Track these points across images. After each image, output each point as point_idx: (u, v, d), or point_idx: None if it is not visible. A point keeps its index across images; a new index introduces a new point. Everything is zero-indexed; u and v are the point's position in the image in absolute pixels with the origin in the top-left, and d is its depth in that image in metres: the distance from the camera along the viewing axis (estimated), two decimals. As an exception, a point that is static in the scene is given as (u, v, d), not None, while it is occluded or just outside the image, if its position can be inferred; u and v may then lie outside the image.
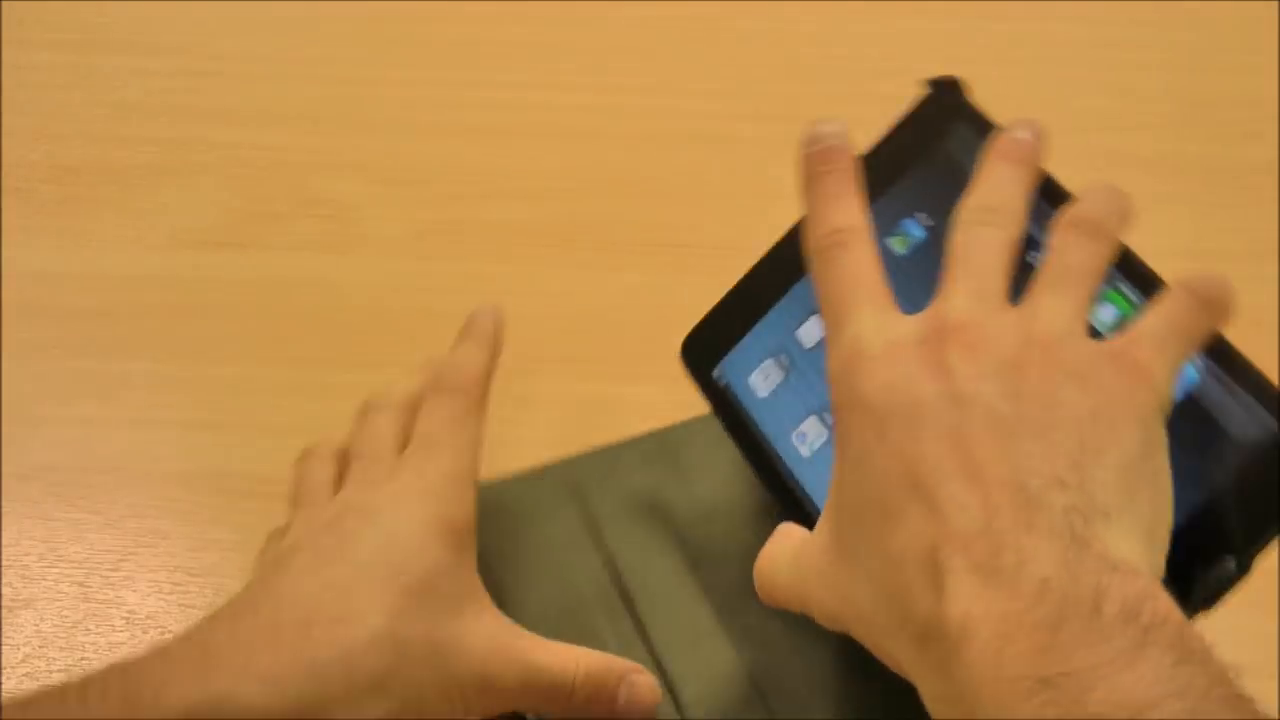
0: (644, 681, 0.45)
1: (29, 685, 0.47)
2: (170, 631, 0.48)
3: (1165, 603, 0.32)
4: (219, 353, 0.62)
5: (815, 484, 0.45)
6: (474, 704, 0.41)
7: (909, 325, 0.38)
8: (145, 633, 0.49)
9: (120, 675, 0.36)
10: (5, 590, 0.50)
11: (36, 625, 0.49)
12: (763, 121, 0.77)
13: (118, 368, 0.61)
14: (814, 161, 0.42)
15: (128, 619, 0.49)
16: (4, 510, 0.53)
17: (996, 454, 0.34)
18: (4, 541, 0.52)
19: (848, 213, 0.41)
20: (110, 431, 0.57)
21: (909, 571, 0.34)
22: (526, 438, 0.57)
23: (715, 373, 0.48)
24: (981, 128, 0.46)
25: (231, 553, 0.51)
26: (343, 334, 0.63)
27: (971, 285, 0.38)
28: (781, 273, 0.47)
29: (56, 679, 0.47)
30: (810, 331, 0.47)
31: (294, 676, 0.37)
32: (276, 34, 0.89)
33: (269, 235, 0.69)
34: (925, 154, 0.47)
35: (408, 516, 0.42)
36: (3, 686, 0.47)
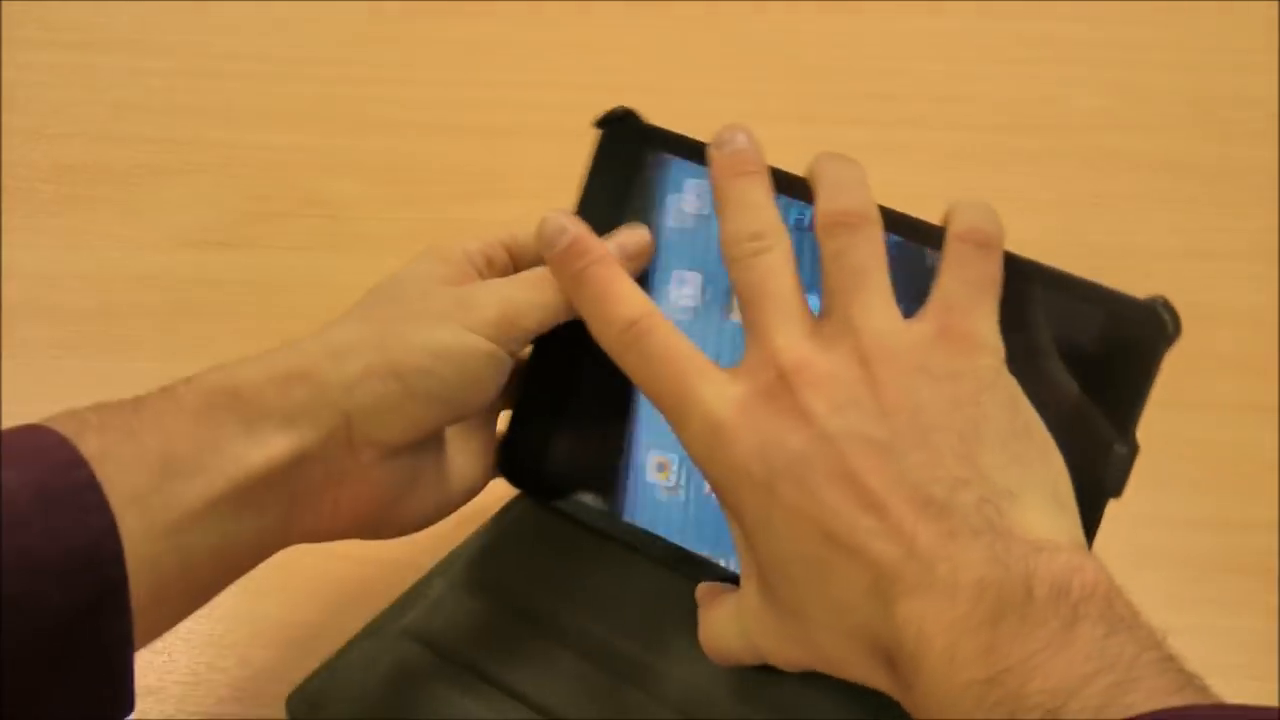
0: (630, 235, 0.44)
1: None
2: (170, 631, 0.48)
3: (1091, 570, 0.33)
4: (219, 353, 0.61)
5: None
6: (506, 337, 0.41)
7: (744, 383, 0.38)
8: (145, 633, 0.49)
9: (213, 375, 0.39)
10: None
11: (36, 625, 0.49)
12: (762, 121, 0.76)
13: (118, 368, 0.61)
14: (732, 163, 0.42)
15: (128, 619, 0.49)
16: (4, 510, 0.53)
17: (889, 478, 0.35)
18: (4, 541, 0.52)
19: (769, 218, 0.41)
20: (110, 431, 0.57)
21: (859, 611, 0.35)
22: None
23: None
24: (678, 146, 0.45)
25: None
26: (343, 334, 0.63)
27: (780, 320, 0.38)
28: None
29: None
30: None
31: (279, 353, 0.41)
32: (276, 34, 0.89)
33: (269, 235, 0.69)
34: (631, 192, 0.45)
35: (426, 259, 0.45)
36: (3, 686, 0.47)
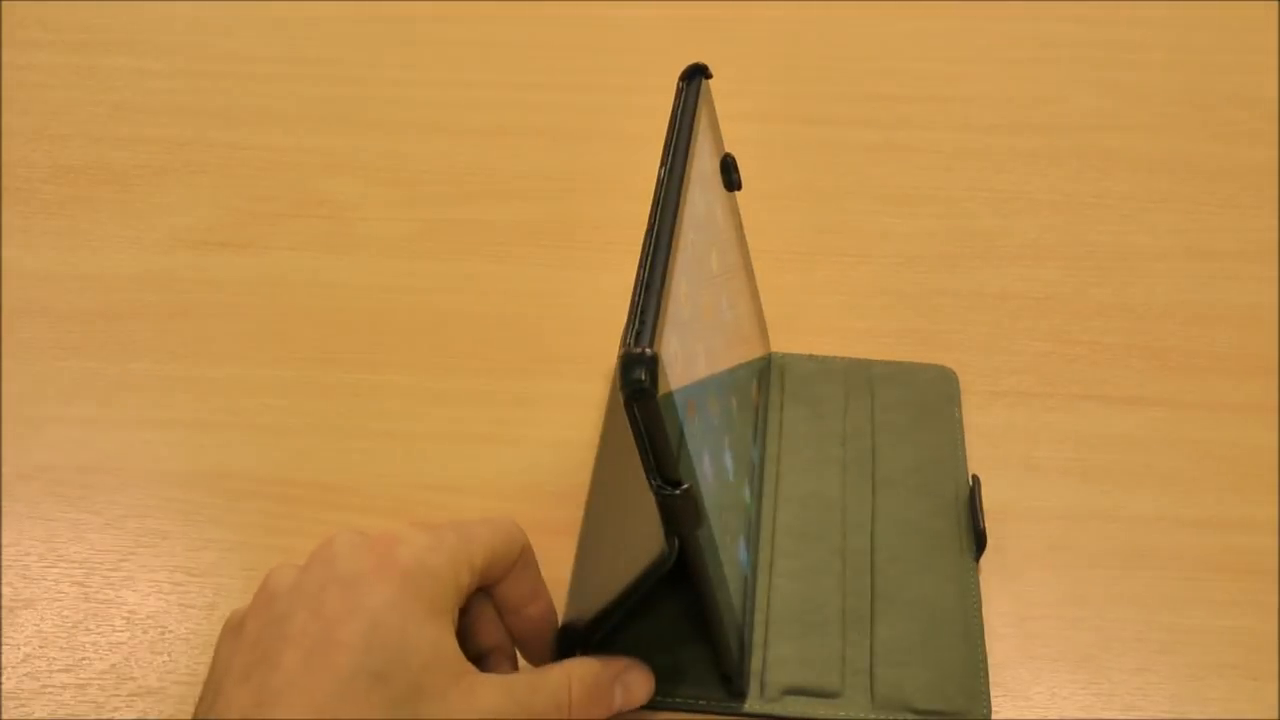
0: (637, 678, 0.45)
1: (29, 685, 0.47)
2: (170, 631, 0.48)
3: None
4: (219, 353, 0.62)
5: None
6: None
7: None
8: (145, 633, 0.49)
9: None
10: (5, 590, 0.50)
11: (37, 625, 0.49)
12: (762, 121, 0.77)
13: (118, 368, 0.61)
14: None
15: (128, 619, 0.49)
16: (4, 510, 0.53)
17: None
18: (4, 541, 0.52)
19: None
20: (110, 431, 0.57)
21: None
22: (526, 437, 0.57)
23: None
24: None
25: (231, 553, 0.51)
26: (342, 334, 0.63)
27: None
28: None
29: (57, 679, 0.47)
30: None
31: None
32: (276, 34, 0.89)
33: (269, 235, 0.69)
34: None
35: (395, 603, 0.40)
36: (3, 687, 0.48)
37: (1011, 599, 0.50)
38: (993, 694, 0.46)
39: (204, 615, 0.49)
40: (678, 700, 0.47)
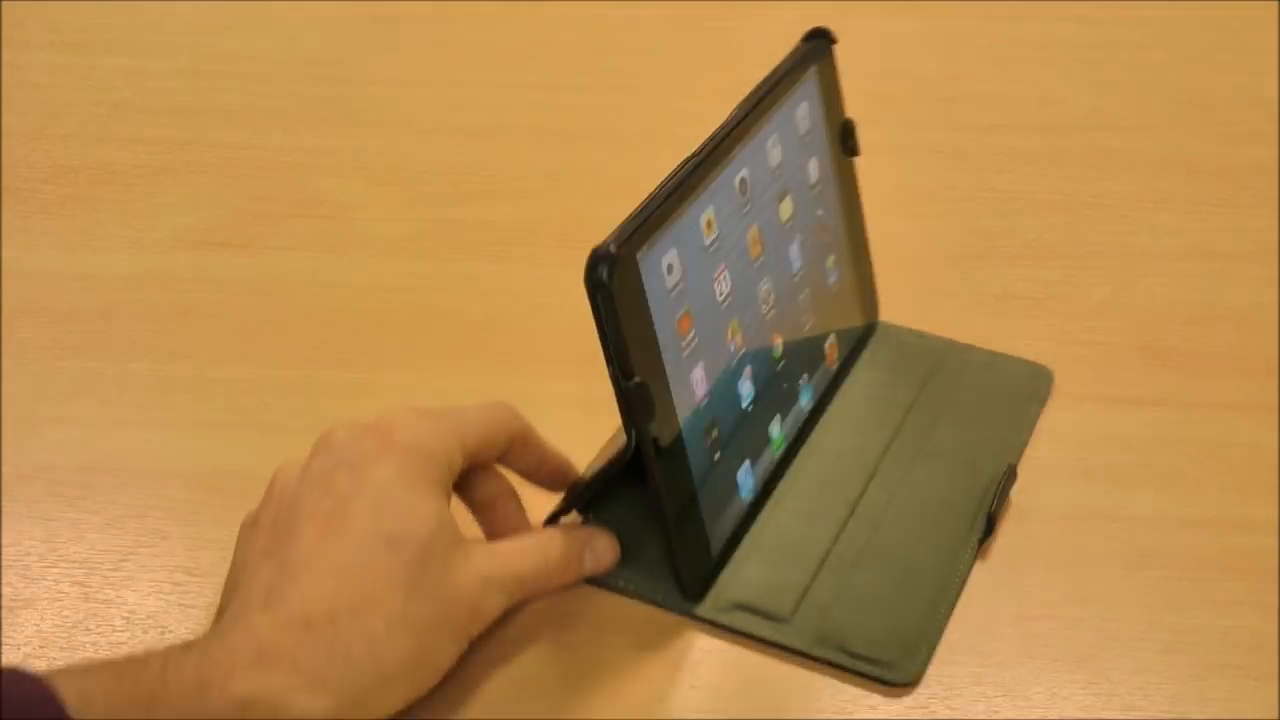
0: (603, 544, 0.50)
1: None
2: (170, 631, 0.48)
3: None
4: (219, 353, 0.62)
5: None
6: (472, 633, 0.45)
7: None
8: (145, 633, 0.49)
9: (198, 656, 0.39)
10: (5, 590, 0.50)
11: (37, 625, 0.49)
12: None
13: (118, 368, 0.61)
14: None
15: (128, 619, 0.49)
16: (4, 510, 0.53)
17: None
18: (4, 541, 0.52)
19: None
20: (110, 431, 0.57)
21: None
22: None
23: None
24: (648, 231, 0.46)
25: (231, 553, 0.51)
26: (342, 334, 0.63)
27: None
28: None
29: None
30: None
31: (334, 673, 0.40)
32: (276, 34, 0.89)
33: (269, 235, 0.69)
34: (646, 312, 0.46)
35: (397, 477, 0.44)
36: (3, 686, 0.47)
37: (1012, 599, 0.50)
38: (992, 694, 0.46)
39: (204, 615, 0.49)
40: (631, 588, 0.50)
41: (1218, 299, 0.66)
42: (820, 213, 0.57)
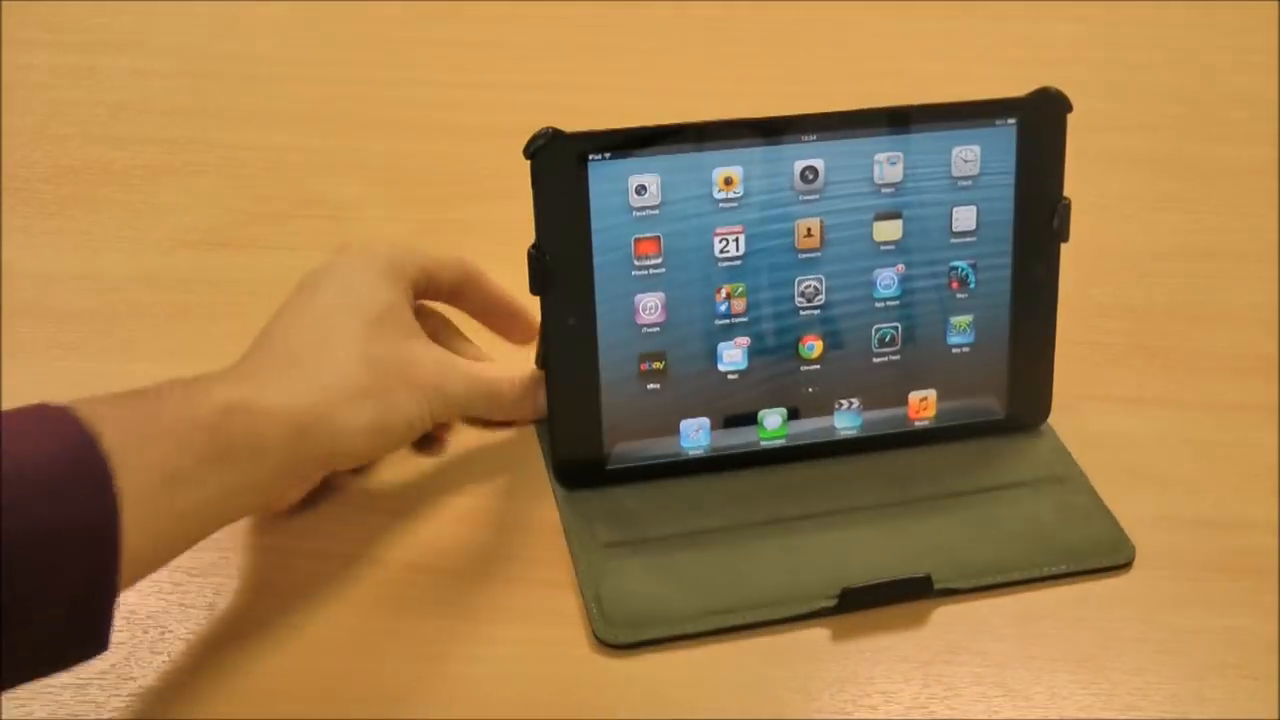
0: None
1: (29, 685, 0.47)
2: (170, 631, 0.48)
3: None
4: (219, 353, 0.62)
5: None
6: (435, 408, 0.51)
7: None
8: (145, 633, 0.48)
9: (182, 383, 0.45)
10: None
11: (36, 625, 0.49)
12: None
13: (118, 368, 0.61)
14: None
15: (128, 619, 0.49)
16: (4, 510, 0.53)
17: None
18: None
19: None
20: (110, 431, 0.57)
21: None
22: (527, 435, 0.57)
23: None
24: (611, 144, 0.50)
25: (231, 553, 0.51)
26: (343, 334, 0.63)
27: None
28: None
29: (57, 679, 0.47)
30: None
31: (303, 388, 0.47)
32: (276, 34, 0.90)
33: (269, 235, 0.69)
34: (582, 203, 0.50)
35: (359, 267, 0.53)
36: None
37: (1012, 598, 0.50)
38: (992, 694, 0.46)
39: (204, 615, 0.49)
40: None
41: (1218, 299, 0.66)
42: (959, 266, 0.54)
